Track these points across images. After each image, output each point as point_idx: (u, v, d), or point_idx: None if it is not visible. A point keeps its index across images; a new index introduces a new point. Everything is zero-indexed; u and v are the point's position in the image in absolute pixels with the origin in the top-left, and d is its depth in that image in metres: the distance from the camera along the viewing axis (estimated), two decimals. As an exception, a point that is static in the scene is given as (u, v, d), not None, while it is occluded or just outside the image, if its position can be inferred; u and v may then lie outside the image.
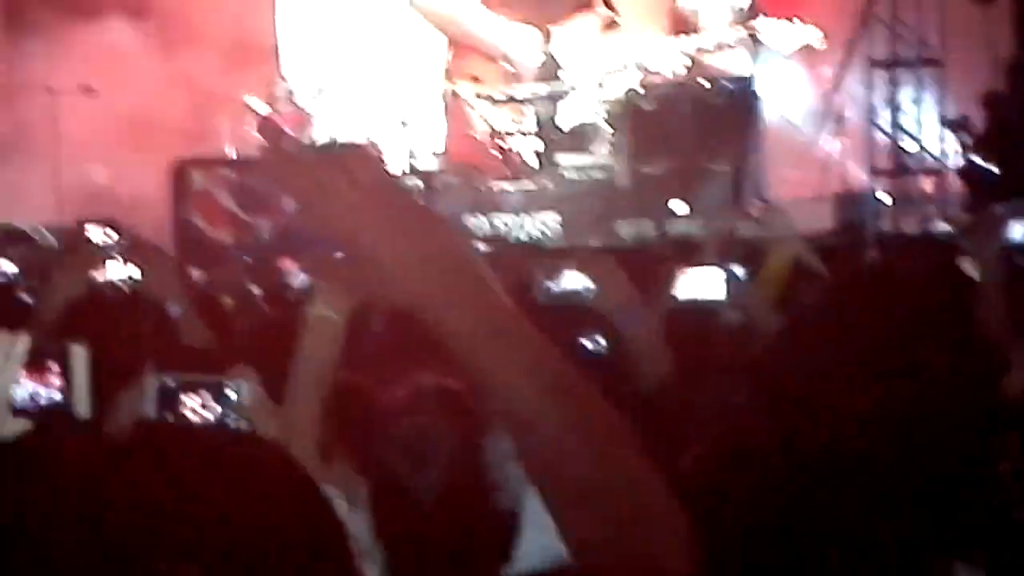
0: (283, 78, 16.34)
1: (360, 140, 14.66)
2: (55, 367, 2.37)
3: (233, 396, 2.70)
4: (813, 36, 13.69)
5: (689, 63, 14.60)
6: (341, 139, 14.58)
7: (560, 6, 16.49)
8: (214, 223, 11.67)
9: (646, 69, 15.06)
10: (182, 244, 11.34)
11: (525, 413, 1.45)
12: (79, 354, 2.37)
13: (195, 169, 12.18)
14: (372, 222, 1.46)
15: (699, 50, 14.88)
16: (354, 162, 1.48)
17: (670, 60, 15.06)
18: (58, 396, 2.36)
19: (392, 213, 1.47)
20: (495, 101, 15.30)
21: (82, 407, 2.37)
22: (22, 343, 2.33)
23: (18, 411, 2.34)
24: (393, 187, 1.50)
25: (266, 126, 15.38)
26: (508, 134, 15.14)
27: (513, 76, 15.60)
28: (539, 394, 1.45)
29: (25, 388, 2.35)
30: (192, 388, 2.70)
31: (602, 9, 16.15)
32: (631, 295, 3.52)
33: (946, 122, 12.95)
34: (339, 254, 1.48)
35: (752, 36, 12.74)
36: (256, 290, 4.83)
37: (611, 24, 16.16)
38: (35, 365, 2.35)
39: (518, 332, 1.48)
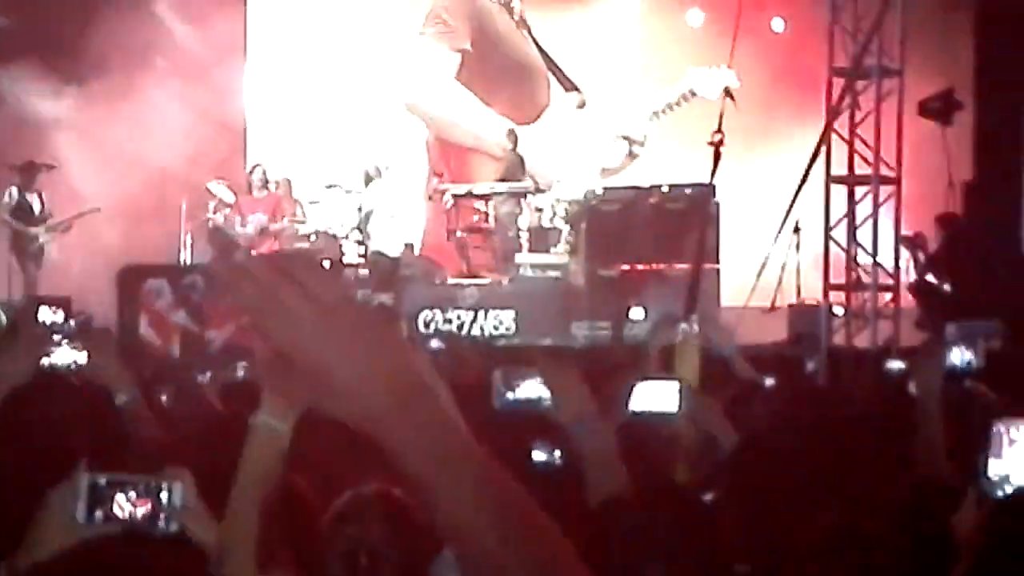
0: (258, 164, 16.24)
1: (312, 249, 14.54)
2: None
3: (166, 498, 2.61)
4: (732, 79, 14.19)
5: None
6: (294, 249, 14.51)
7: (535, 102, 16.69)
8: (162, 333, 11.38)
9: (630, 139, 15.31)
10: (129, 351, 11.07)
11: (467, 532, 1.44)
12: None
13: (144, 276, 11.77)
14: (323, 336, 1.44)
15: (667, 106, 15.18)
16: (306, 274, 1.46)
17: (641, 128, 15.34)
18: None
19: (345, 328, 1.45)
20: (459, 197, 15.32)
21: None
22: None
23: None
24: (347, 301, 1.47)
25: (217, 235, 15.23)
26: (470, 230, 15.14)
27: (492, 172, 15.69)
28: (483, 515, 1.43)
29: None
30: (124, 487, 2.60)
31: (562, 94, 16.35)
32: (589, 407, 3.47)
33: (901, 239, 13.11)
34: (289, 365, 1.45)
35: (713, 144, 12.79)
36: (202, 394, 4.77)
37: (582, 104, 16.33)
38: None
39: (466, 454, 1.46)
